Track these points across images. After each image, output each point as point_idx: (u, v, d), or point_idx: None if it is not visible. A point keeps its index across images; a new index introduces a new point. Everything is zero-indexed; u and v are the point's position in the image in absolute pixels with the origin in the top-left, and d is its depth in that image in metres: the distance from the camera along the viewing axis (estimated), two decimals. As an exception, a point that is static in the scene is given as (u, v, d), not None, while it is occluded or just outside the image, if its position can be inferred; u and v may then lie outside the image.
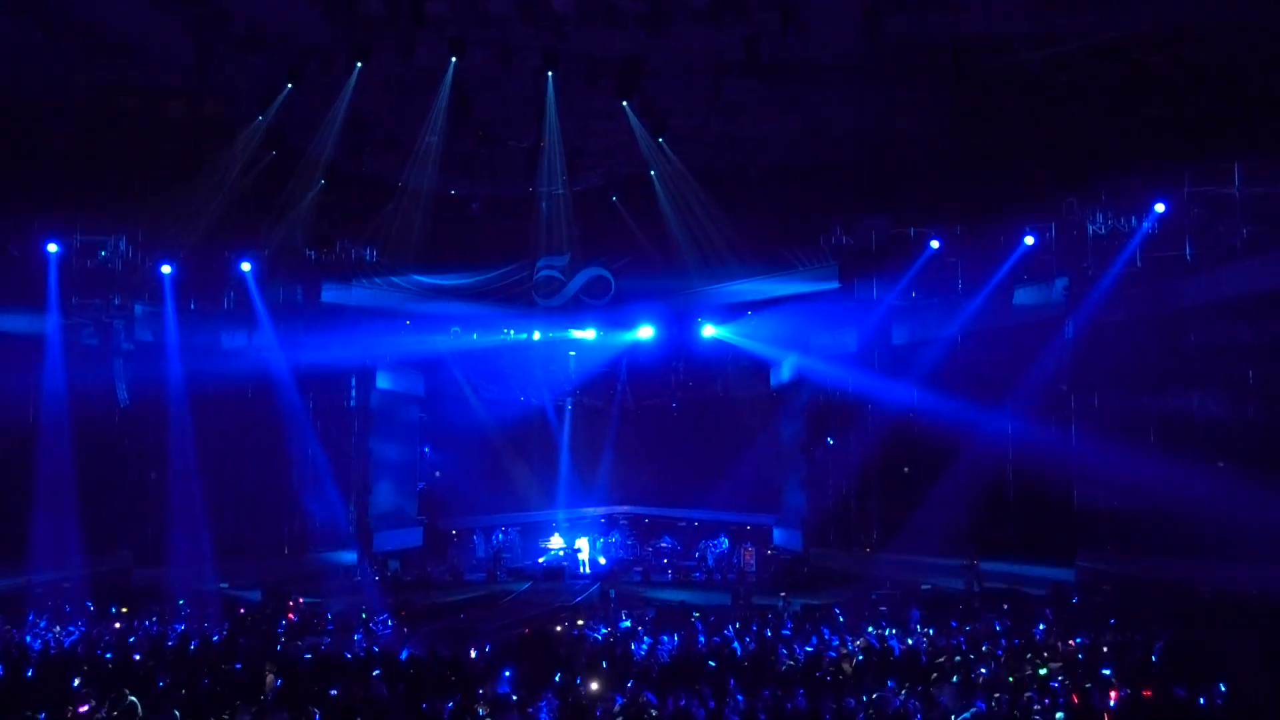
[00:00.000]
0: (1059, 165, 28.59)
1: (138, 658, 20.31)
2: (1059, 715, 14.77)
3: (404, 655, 20.24)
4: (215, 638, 22.79)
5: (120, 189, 29.58)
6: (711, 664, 18.91)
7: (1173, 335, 25.92)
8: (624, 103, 29.57)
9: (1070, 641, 20.65)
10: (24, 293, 28.53)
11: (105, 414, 29.47)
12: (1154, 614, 21.79)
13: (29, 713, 15.67)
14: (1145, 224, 26.27)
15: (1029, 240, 28.38)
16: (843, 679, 17.59)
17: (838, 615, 24.43)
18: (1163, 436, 26.12)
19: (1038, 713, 14.96)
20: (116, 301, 29.62)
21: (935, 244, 29.66)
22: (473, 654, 20.31)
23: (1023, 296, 28.93)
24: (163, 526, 28.99)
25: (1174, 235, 25.95)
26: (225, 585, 28.74)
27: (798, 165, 31.36)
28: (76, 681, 17.67)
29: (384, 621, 25.58)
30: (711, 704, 15.78)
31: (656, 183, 31.70)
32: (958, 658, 19.26)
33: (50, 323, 28.37)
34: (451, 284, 32.95)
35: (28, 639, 22.27)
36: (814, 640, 21.50)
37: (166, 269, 29.80)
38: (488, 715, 15.62)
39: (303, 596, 28.49)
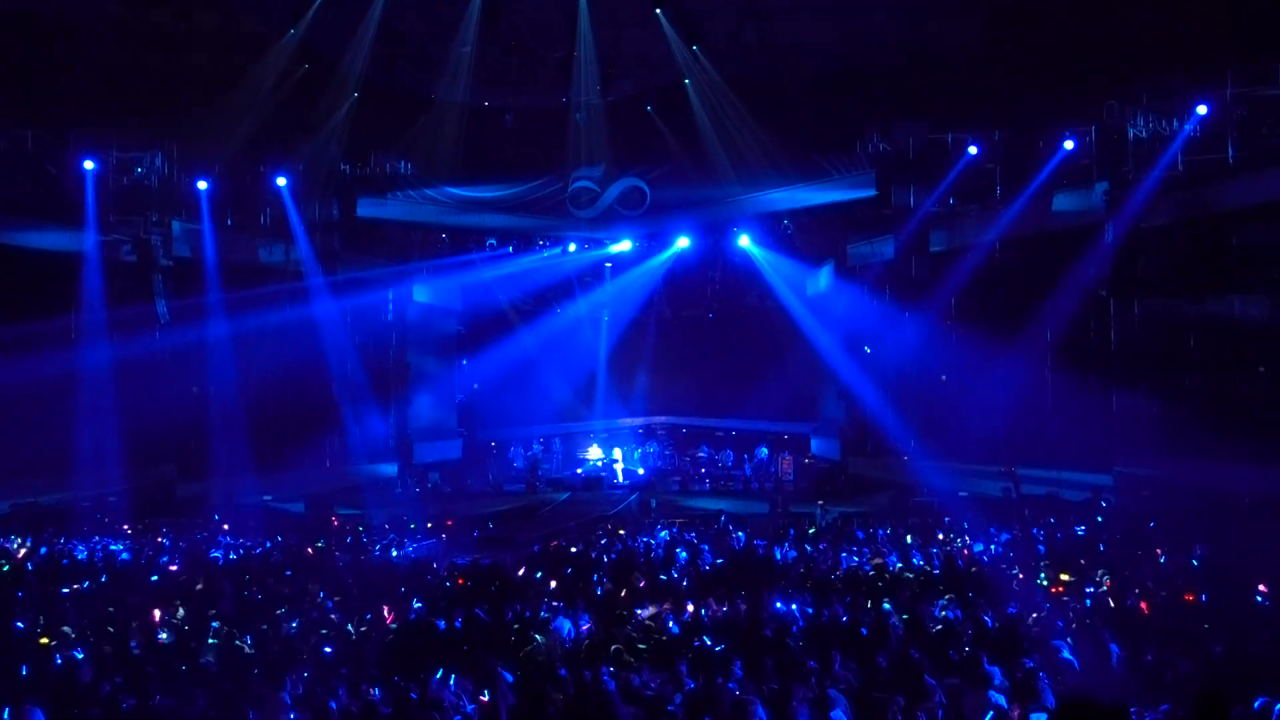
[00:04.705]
0: (1099, 67, 27.96)
1: (180, 570, 20.60)
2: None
3: (444, 565, 20.42)
4: (259, 550, 23.11)
5: (155, 104, 29.47)
6: (750, 574, 18.97)
7: (1214, 240, 25.54)
8: (657, 9, 29.14)
9: (1109, 547, 20.64)
10: (62, 210, 28.51)
11: (145, 330, 29.37)
12: (1193, 520, 21.68)
13: (86, 622, 15.93)
14: (1187, 126, 25.81)
15: (1068, 145, 27.90)
16: (880, 588, 17.57)
17: (875, 525, 24.47)
18: (1202, 342, 25.86)
19: (1075, 619, 14.90)
20: (154, 218, 29.44)
21: (973, 150, 29.24)
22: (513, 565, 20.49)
23: (1062, 202, 28.47)
24: (205, 441, 29.06)
25: (1217, 138, 25.47)
26: (268, 498, 29.01)
27: (833, 72, 30.79)
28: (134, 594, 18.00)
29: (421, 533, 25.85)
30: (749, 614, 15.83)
31: (691, 92, 31.32)
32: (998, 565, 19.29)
33: (88, 239, 28.36)
34: (486, 196, 32.77)
35: (75, 550, 22.62)
36: (852, 550, 21.53)
37: (203, 184, 29.70)
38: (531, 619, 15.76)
39: (344, 509, 28.75)
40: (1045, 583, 17.81)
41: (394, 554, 23.11)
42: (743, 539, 23.16)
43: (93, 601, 17.84)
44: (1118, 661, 12.66)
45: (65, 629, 15.30)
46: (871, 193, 30.98)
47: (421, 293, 35.20)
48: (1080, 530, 22.65)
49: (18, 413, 25.28)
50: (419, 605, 17.13)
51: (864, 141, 31.10)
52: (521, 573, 19.92)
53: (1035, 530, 22.75)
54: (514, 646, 14.63)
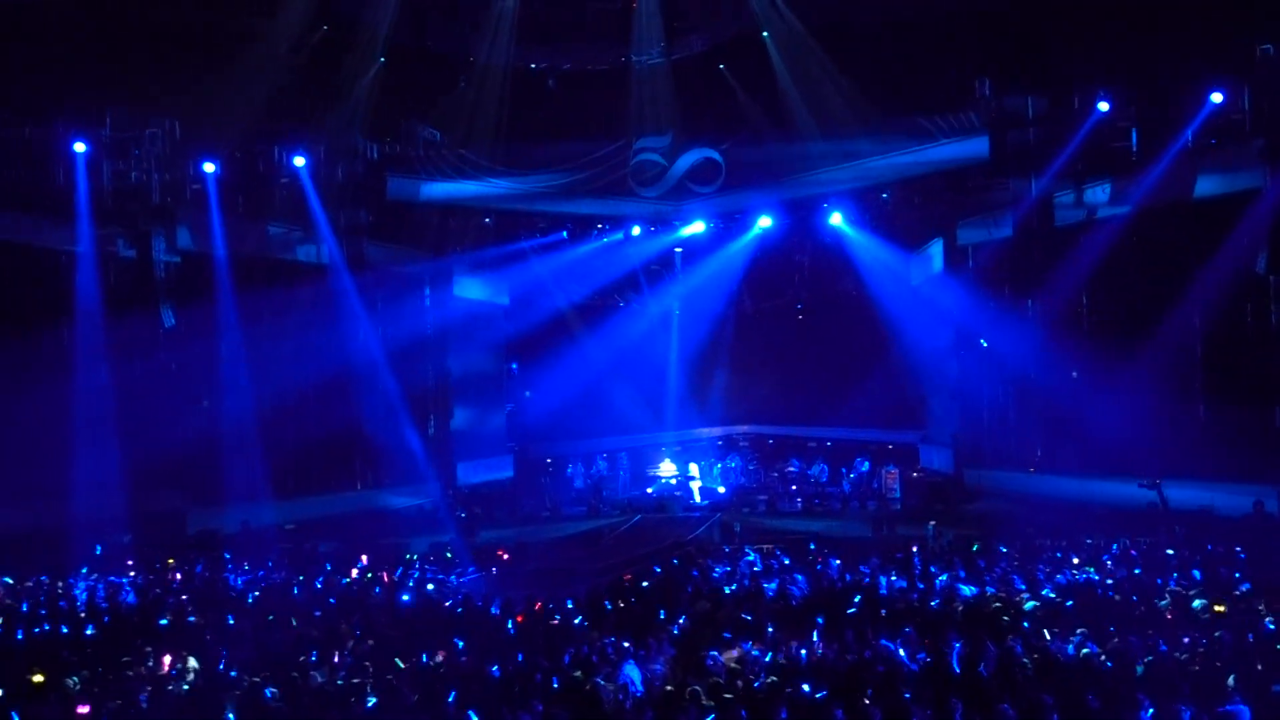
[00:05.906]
0: (1251, 7, 27.56)
1: (193, 611, 20.72)
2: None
3: (496, 605, 20.42)
4: (282, 587, 23.24)
5: (153, 76, 29.34)
6: (851, 608, 18.89)
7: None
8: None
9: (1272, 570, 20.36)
10: (50, 201, 28.66)
11: (148, 336, 29.57)
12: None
13: (86, 671, 16.05)
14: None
15: (1216, 98, 27.50)
16: (1005, 622, 17.42)
17: (997, 547, 24.25)
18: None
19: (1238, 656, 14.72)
20: (154, 206, 29.66)
21: (1104, 106, 28.88)
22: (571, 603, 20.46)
23: (1209, 166, 28.09)
24: (217, 463, 29.11)
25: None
26: (290, 528, 29.13)
27: (934, 18, 30.51)
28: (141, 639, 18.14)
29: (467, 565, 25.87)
30: (852, 656, 15.77)
31: (770, 46, 31.19)
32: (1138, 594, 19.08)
33: (81, 234, 28.55)
34: (535, 173, 32.77)
35: (76, 590, 22.80)
36: (970, 577, 21.37)
37: (210, 167, 29.86)
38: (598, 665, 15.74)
39: (377, 538, 28.79)
40: (1201, 612, 17.58)
41: (436, 589, 23.14)
42: (838, 566, 23.03)
43: (95, 648, 18.00)
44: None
45: (69, 680, 15.43)
46: (984, 159, 30.53)
47: (463, 287, 35.20)
48: (1242, 552, 22.31)
49: (3, 433, 25.53)
50: (465, 647, 17.18)
51: (973, 99, 30.74)
52: (585, 607, 19.92)
53: (1186, 552, 22.49)
54: (575, 695, 14.59)
